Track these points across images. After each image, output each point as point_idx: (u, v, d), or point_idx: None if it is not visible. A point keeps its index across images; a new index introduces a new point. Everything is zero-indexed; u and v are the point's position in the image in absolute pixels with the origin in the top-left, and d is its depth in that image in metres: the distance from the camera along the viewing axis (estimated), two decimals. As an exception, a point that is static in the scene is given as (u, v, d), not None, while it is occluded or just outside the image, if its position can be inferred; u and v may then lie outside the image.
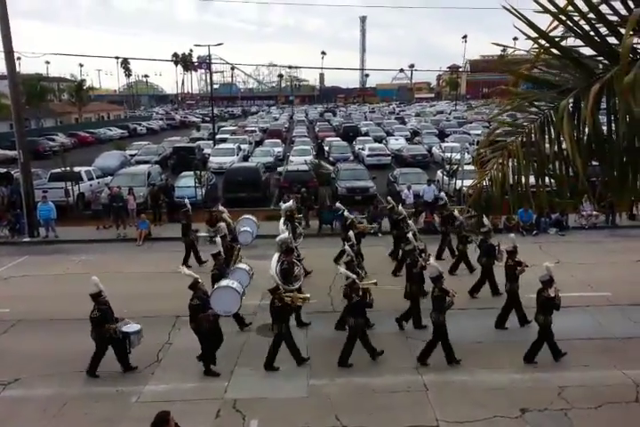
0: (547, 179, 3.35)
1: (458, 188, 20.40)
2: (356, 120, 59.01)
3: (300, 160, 27.06)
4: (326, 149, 34.24)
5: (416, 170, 24.01)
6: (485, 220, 11.53)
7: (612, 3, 2.70)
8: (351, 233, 12.30)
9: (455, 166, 21.62)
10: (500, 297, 11.23)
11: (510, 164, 3.27)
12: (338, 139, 38.23)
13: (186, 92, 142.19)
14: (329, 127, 50.90)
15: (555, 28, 2.78)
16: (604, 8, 2.70)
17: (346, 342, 9.27)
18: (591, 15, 2.66)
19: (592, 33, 2.63)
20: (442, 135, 40.39)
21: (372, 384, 8.70)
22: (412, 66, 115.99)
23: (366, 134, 42.43)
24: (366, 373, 9.04)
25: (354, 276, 9.40)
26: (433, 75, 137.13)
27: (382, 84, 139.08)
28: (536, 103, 2.98)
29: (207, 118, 64.15)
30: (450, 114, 65.03)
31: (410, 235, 11.42)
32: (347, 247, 11.30)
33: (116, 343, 8.99)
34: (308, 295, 9.69)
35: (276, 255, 10.62)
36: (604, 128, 2.80)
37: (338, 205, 16.12)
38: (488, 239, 11.99)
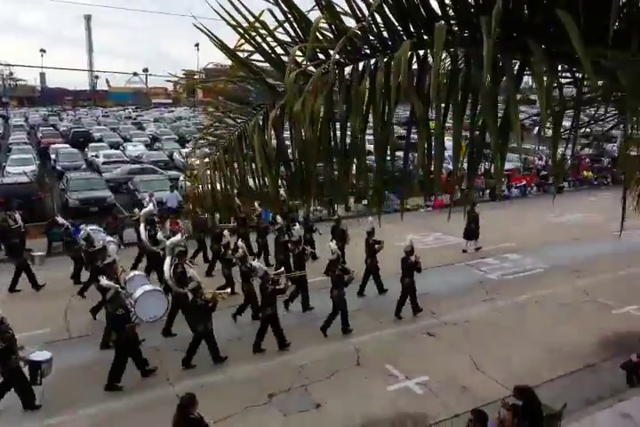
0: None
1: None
2: (88, 125, 54.02)
3: (19, 171, 23.54)
4: (53, 157, 30.52)
5: (158, 176, 23.40)
6: (337, 208, 14.31)
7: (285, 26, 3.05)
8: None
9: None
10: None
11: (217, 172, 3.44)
12: (66, 145, 34.38)
13: None
14: (55, 133, 45.35)
15: (241, 44, 3.06)
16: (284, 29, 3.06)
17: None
18: (275, 35, 3.00)
19: (271, 53, 2.97)
20: (182, 141, 40.21)
21: (119, 408, 8.18)
22: (145, 70, 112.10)
23: (100, 140, 39.26)
24: (111, 396, 8.48)
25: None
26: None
27: (116, 88, 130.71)
28: (233, 116, 3.23)
29: None
30: (189, 120, 65.12)
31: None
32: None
33: (21, 376, 7.95)
34: (228, 290, 10.37)
35: (168, 259, 10.73)
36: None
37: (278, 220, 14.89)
38: (339, 225, 13.92)
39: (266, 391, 8.64)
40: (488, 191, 23.22)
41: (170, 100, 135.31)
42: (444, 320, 11.39)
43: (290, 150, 2.90)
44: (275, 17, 2.94)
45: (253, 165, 2.98)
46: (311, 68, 2.63)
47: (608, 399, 8.37)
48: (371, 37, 2.59)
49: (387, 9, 2.42)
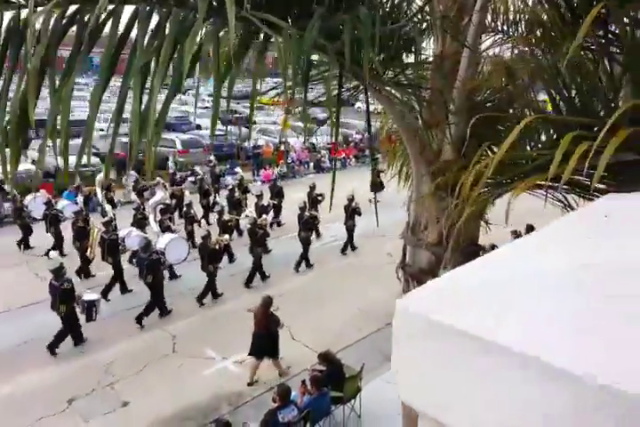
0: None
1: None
2: None
3: None
4: None
5: None
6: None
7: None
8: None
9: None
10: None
11: None
12: None
13: None
14: None
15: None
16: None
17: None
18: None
19: None
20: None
21: None
22: None
23: None
24: None
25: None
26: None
27: None
28: None
29: None
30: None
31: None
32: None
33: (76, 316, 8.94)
34: (227, 236, 11.99)
35: (152, 217, 12.39)
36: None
37: None
38: (276, 184, 16.34)
39: (65, 397, 7.81)
40: (312, 164, 23.98)
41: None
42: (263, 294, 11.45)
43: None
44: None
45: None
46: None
47: (406, 351, 9.22)
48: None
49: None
